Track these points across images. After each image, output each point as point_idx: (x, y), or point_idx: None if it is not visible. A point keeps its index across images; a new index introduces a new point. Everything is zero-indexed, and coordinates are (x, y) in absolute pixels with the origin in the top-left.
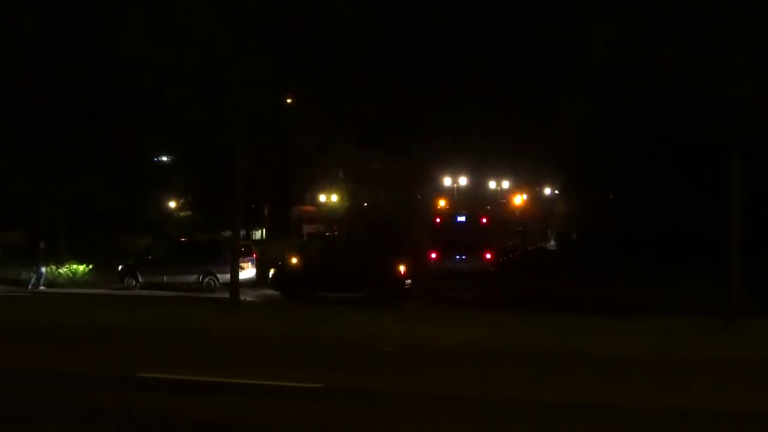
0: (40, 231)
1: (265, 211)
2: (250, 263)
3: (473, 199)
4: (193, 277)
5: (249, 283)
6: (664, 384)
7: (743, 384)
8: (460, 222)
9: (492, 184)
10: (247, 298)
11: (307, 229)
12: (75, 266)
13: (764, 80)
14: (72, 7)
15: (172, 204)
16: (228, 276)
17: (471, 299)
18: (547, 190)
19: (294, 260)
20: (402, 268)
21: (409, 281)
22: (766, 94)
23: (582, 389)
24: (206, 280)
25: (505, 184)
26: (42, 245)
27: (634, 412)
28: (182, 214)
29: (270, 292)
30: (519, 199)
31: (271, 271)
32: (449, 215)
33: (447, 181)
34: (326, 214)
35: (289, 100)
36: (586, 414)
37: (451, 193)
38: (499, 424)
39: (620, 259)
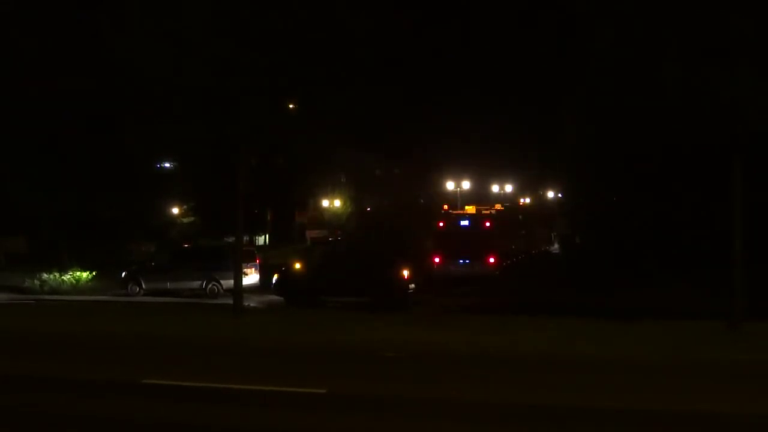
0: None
1: (268, 217)
2: (253, 269)
3: (477, 202)
4: (196, 283)
5: (253, 289)
6: (668, 387)
7: (747, 387)
8: (463, 226)
9: (495, 188)
10: (251, 304)
11: (310, 234)
12: (78, 273)
13: (765, 83)
14: (73, 15)
15: (175, 210)
16: (231, 282)
17: (474, 304)
18: (550, 193)
19: (297, 265)
20: (405, 273)
21: (413, 286)
22: (766, 96)
23: (586, 394)
24: (210, 286)
25: (509, 188)
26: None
27: (636, 416)
28: (185, 220)
29: (274, 297)
30: (521, 202)
31: (275, 277)
32: (452, 219)
33: (450, 185)
34: (329, 220)
35: (291, 106)
36: (590, 418)
37: (454, 197)
38: (503, 428)
39: (623, 262)
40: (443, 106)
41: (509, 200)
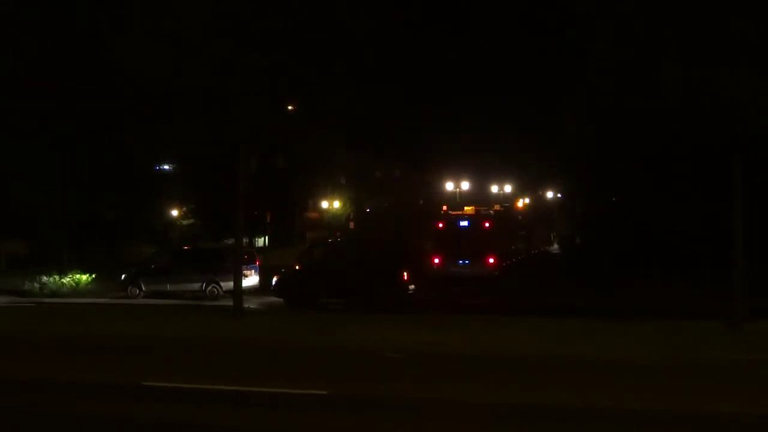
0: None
1: (268, 218)
2: (253, 270)
3: (477, 203)
4: (196, 285)
5: (252, 291)
6: (668, 387)
7: (747, 387)
8: (463, 226)
9: (494, 189)
10: (251, 306)
11: (309, 235)
12: (78, 275)
13: (765, 82)
14: (72, 16)
15: (175, 212)
16: (231, 284)
17: (474, 304)
18: (550, 194)
19: (297, 267)
20: (405, 274)
21: (413, 287)
22: (766, 96)
23: (586, 394)
24: (209, 287)
25: (508, 188)
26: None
27: (636, 416)
28: (185, 222)
29: (273, 299)
30: (521, 203)
31: (274, 279)
32: (452, 220)
33: (449, 186)
34: (329, 221)
35: (290, 108)
36: (590, 418)
37: (453, 198)
38: (503, 428)
39: (623, 262)
40: (443, 106)
41: (507, 200)
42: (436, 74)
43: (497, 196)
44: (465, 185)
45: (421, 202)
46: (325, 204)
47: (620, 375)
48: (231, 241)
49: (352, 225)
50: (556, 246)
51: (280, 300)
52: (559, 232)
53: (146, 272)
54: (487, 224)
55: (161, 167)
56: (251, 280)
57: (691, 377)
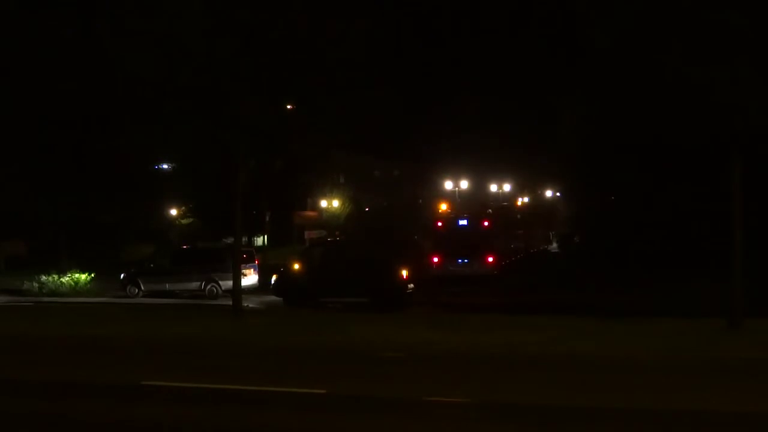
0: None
1: (267, 218)
2: (252, 270)
3: (475, 202)
4: (195, 285)
5: (251, 290)
6: (668, 386)
7: (747, 385)
8: (462, 225)
9: (493, 187)
10: (250, 305)
11: (308, 235)
12: (77, 275)
13: (764, 82)
14: (69, 19)
15: (174, 212)
16: (230, 283)
17: (473, 303)
18: (549, 192)
19: (296, 266)
20: (404, 273)
21: (412, 286)
22: (766, 95)
23: (587, 393)
24: (209, 287)
25: (507, 187)
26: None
27: (636, 415)
28: (184, 221)
29: (272, 298)
30: (520, 202)
31: (273, 278)
32: (451, 219)
33: (448, 185)
34: (328, 220)
35: (289, 107)
36: (590, 417)
37: (452, 197)
38: (503, 428)
39: (623, 261)
40: (443, 106)
41: (506, 199)
42: (436, 74)
43: (497, 195)
44: (464, 185)
45: (420, 201)
46: (324, 203)
47: (620, 374)
48: (230, 240)
49: (351, 224)
50: (555, 245)
51: (280, 299)
52: (558, 231)
53: (145, 271)
54: (485, 223)
55: (161, 167)
56: (250, 279)
57: (692, 376)
